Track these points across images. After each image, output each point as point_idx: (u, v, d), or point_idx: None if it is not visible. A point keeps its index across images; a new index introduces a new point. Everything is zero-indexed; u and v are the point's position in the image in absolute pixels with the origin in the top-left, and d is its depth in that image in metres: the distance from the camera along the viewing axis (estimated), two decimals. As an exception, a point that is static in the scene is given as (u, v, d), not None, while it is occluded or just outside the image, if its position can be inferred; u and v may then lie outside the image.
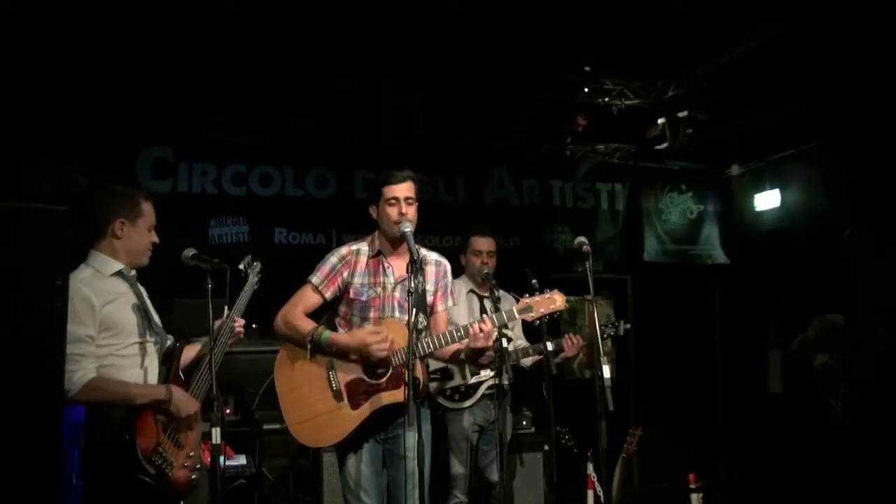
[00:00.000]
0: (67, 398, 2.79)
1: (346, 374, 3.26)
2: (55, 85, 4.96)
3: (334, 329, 3.39)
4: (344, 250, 3.42)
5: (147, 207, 3.16)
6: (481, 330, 3.16)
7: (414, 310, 2.97)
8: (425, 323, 3.12)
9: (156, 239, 3.18)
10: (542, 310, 3.31)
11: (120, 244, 3.08)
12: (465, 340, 3.25)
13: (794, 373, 6.46)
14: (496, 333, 3.21)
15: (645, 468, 6.59)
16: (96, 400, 2.86)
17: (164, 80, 5.10)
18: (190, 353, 3.26)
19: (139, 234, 3.11)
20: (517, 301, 3.41)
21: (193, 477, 3.02)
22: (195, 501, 3.09)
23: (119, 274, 3.08)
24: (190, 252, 3.08)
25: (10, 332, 2.42)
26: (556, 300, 3.32)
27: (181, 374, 3.13)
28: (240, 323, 3.27)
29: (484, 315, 3.28)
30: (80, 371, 2.84)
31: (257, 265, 3.48)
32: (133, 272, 3.14)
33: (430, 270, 3.45)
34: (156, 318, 3.18)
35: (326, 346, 3.24)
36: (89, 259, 3.07)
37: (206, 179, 5.74)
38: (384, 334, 3.20)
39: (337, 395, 3.24)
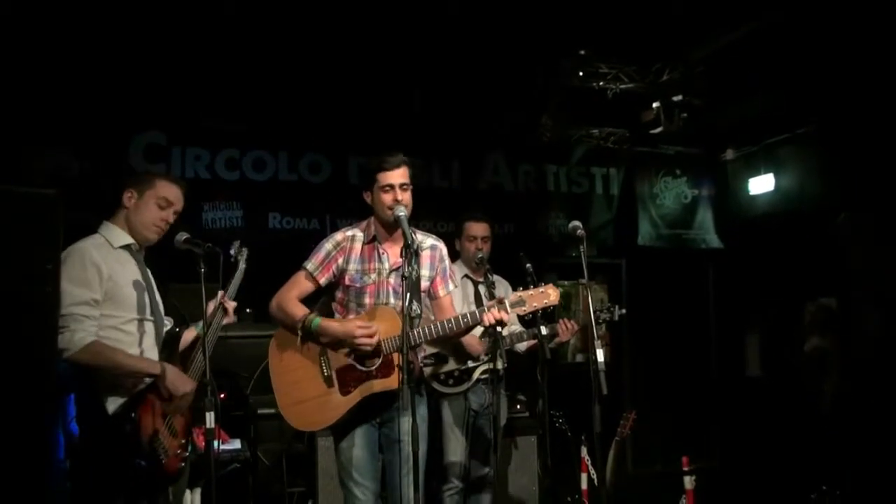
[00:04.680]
0: (63, 357, 2.78)
1: (338, 360, 3.25)
2: (48, 70, 4.94)
3: (330, 314, 3.37)
4: (339, 236, 3.37)
5: (161, 184, 3.15)
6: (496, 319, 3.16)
7: (408, 295, 2.93)
8: (419, 311, 3.04)
9: (166, 216, 3.15)
10: (535, 304, 3.23)
11: (128, 215, 3.10)
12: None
13: (774, 356, 6.52)
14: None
15: (639, 451, 6.62)
16: (92, 364, 2.85)
17: (157, 65, 5.08)
18: (187, 336, 3.26)
19: (145, 205, 3.11)
20: (511, 286, 3.38)
21: (182, 465, 3.04)
22: (179, 487, 3.14)
23: (127, 248, 3.10)
24: (182, 236, 3.08)
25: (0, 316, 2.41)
26: (549, 294, 3.23)
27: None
28: (231, 306, 3.29)
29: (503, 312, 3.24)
30: (83, 332, 2.83)
31: (245, 251, 3.49)
32: (141, 249, 3.15)
33: (426, 255, 3.40)
34: (159, 299, 3.19)
35: (316, 333, 3.22)
36: (101, 229, 3.10)
37: (199, 164, 5.74)
38: (373, 329, 3.16)
39: (328, 381, 3.24)
